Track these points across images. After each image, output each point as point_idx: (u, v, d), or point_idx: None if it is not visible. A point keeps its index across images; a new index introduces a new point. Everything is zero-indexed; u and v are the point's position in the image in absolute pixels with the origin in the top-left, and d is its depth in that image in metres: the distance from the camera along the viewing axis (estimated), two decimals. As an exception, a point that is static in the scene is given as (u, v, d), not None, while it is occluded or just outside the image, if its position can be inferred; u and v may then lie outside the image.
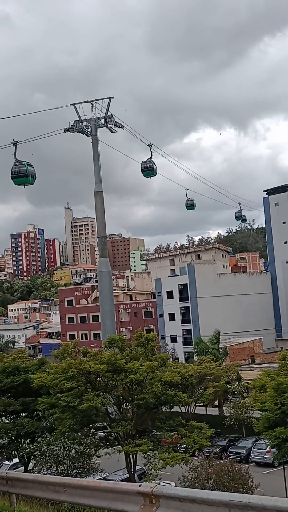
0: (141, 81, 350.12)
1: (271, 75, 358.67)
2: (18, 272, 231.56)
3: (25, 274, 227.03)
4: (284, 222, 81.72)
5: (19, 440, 28.70)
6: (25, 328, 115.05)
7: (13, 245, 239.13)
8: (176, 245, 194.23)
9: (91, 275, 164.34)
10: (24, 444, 28.35)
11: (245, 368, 53.71)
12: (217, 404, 47.45)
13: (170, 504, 6.57)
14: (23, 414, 29.38)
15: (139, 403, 26.39)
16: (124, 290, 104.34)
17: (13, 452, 29.18)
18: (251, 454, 36.77)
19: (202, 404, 41.96)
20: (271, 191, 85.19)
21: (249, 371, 51.01)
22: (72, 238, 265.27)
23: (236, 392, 42.65)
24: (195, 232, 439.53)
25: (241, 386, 43.39)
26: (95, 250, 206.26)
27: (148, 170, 49.80)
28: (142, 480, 24.40)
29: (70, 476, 22.40)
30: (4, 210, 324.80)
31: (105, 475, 27.28)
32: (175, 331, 72.86)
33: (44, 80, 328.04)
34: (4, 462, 31.89)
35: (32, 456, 27.61)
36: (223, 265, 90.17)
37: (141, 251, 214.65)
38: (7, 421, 29.69)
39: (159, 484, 7.63)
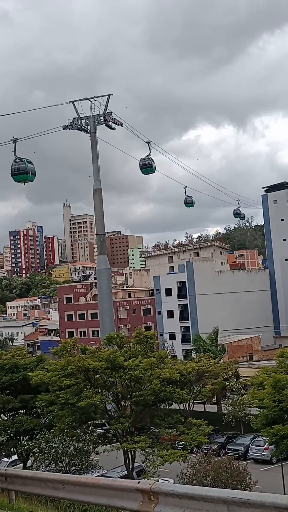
0: (140, 79, 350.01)
1: (270, 72, 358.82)
2: (16, 269, 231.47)
3: (23, 271, 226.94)
4: (282, 220, 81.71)
5: (18, 437, 28.74)
6: (23, 325, 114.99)
7: (12, 242, 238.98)
8: (174, 243, 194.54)
9: (89, 273, 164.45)
10: (23, 441, 28.38)
11: (243, 365, 53.78)
12: (215, 401, 47.53)
13: (169, 500, 6.59)
14: (22, 411, 29.40)
15: (137, 400, 26.43)
16: (123, 287, 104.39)
17: (11, 449, 29.20)
18: (249, 451, 36.82)
19: (200, 401, 42.02)
20: (270, 189, 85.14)
21: (247, 368, 51.07)
22: (71, 236, 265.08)
23: (234, 390, 42.71)
24: (194, 229, 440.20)
25: (239, 383, 43.46)
26: (94, 248, 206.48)
27: (147, 167, 49.76)
28: (141, 477, 24.43)
29: (68, 473, 22.45)
30: (3, 208, 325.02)
31: (103, 472, 27.34)
32: (173, 329, 72.90)
33: (43, 77, 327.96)
34: (2, 459, 31.92)
35: (31, 453, 27.64)
36: (222, 262, 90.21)
37: (140, 248, 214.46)
38: (6, 418, 29.70)
39: (158, 481, 7.65)
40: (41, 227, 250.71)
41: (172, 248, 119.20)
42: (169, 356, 44.79)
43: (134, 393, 26.66)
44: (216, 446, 36.61)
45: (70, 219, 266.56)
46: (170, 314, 74.33)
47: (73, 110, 49.92)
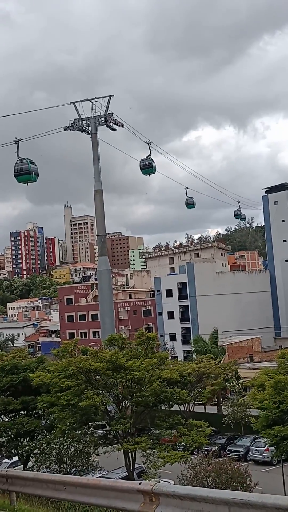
0: (140, 80, 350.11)
1: (270, 73, 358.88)
2: (17, 270, 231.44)
3: (24, 272, 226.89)
4: (283, 221, 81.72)
5: (19, 438, 28.71)
6: (24, 326, 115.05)
7: (13, 243, 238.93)
8: (175, 244, 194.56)
9: (90, 274, 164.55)
10: (24, 442, 28.37)
11: (243, 366, 53.77)
12: (215, 402, 47.52)
13: (170, 502, 6.60)
14: (23, 412, 29.39)
15: (138, 401, 26.43)
16: (124, 288, 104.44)
17: (12, 450, 29.19)
18: (250, 452, 36.82)
19: (201, 402, 42.01)
20: (270, 190, 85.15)
21: (247, 369, 51.07)
22: (72, 237, 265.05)
23: (234, 391, 42.68)
24: (194, 230, 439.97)
25: (239, 384, 43.45)
26: (95, 249, 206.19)
27: (147, 167, 49.76)
28: (141, 478, 24.39)
29: (69, 474, 22.44)
30: (4, 209, 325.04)
31: (104, 473, 27.32)
32: (174, 330, 72.89)
33: (44, 79, 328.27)
34: (3, 460, 31.92)
35: (31, 455, 27.64)
36: (222, 263, 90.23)
37: (141, 249, 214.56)
38: (7, 419, 29.70)
39: (159, 482, 7.66)
40: (42, 228, 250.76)
41: (173, 249, 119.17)
42: (170, 357, 44.78)
43: (134, 394, 26.67)
44: (217, 447, 36.61)
45: (71, 220, 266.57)
46: (171, 315, 74.32)
47: (74, 111, 50.05)
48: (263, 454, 35.31)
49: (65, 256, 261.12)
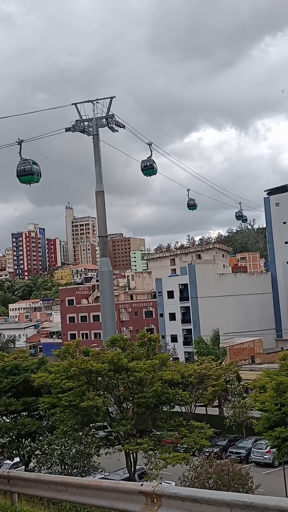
0: (142, 81, 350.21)
1: (272, 75, 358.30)
2: (19, 271, 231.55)
3: (26, 273, 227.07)
4: (284, 222, 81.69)
5: (20, 439, 28.70)
6: (25, 327, 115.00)
7: (14, 244, 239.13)
8: (176, 245, 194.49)
9: (91, 275, 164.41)
10: (25, 443, 28.37)
11: (245, 368, 53.71)
12: (217, 404, 47.47)
13: (172, 503, 6.59)
14: (24, 413, 29.39)
15: (139, 402, 26.42)
16: (125, 289, 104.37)
17: (14, 451, 29.19)
18: (251, 454, 36.78)
19: (202, 404, 41.97)
20: (272, 191, 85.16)
21: (249, 371, 51.02)
22: (73, 238, 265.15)
23: (236, 393, 42.63)
24: (196, 232, 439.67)
25: (241, 386, 43.40)
26: (96, 250, 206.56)
27: (148, 168, 49.84)
28: (143, 480, 24.38)
29: (70, 476, 22.43)
30: (5, 210, 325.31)
31: (105, 474, 27.30)
32: (175, 331, 72.87)
33: (45, 80, 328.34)
34: (5, 461, 31.91)
35: (33, 455, 27.64)
36: (224, 265, 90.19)
37: (142, 250, 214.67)
38: (8, 420, 29.70)
39: (161, 483, 7.65)
40: (43, 229, 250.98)
41: (174, 250, 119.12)
42: (171, 359, 44.75)
43: (136, 395, 26.66)
44: (218, 449, 36.54)
45: (72, 221, 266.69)
46: (172, 316, 74.33)
47: (76, 113, 50.14)
48: (265, 456, 35.26)
49: (67, 257, 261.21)
